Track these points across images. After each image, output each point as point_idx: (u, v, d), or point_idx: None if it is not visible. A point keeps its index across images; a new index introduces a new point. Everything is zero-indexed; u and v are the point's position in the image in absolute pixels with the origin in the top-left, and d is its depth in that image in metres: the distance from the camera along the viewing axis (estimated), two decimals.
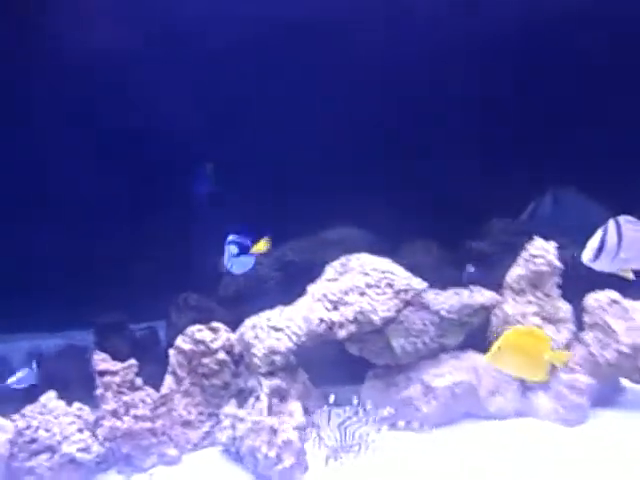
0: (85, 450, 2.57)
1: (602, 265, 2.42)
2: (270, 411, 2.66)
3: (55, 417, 2.64)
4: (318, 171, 3.35)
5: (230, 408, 2.75)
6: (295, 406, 2.70)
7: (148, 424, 2.67)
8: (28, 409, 2.69)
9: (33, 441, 2.58)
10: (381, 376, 2.97)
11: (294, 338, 2.72)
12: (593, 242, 2.42)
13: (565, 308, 3.03)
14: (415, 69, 3.41)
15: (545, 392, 2.99)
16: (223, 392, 2.86)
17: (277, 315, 2.78)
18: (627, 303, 2.97)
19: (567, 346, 2.99)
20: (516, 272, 3.01)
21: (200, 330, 2.83)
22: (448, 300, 2.94)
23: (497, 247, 3.40)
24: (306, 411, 2.86)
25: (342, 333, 2.78)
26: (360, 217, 3.39)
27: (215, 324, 2.89)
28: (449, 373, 2.91)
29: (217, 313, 3.15)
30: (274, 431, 2.58)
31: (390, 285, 2.83)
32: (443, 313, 2.90)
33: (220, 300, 3.28)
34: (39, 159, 3.06)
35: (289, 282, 3.02)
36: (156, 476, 2.66)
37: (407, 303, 2.85)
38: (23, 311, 3.05)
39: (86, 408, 2.74)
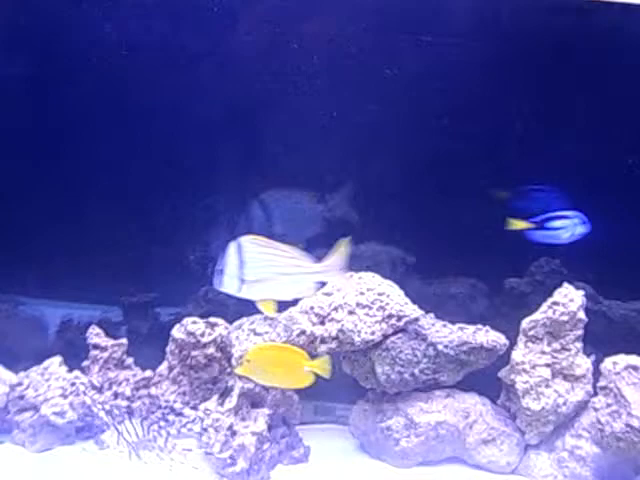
0: (59, 414, 2.73)
1: (231, 290, 2.35)
2: (237, 413, 2.66)
3: (46, 380, 2.82)
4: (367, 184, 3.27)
5: (209, 403, 2.78)
6: (263, 413, 2.68)
7: (125, 403, 2.78)
8: (32, 369, 2.91)
9: (21, 398, 2.79)
10: (373, 401, 2.86)
11: None
12: (217, 266, 2.34)
13: (584, 366, 2.73)
14: None
15: (548, 453, 2.73)
16: (211, 386, 2.90)
17: (261, 320, 2.77)
18: None
19: (579, 407, 2.71)
20: (533, 317, 2.76)
21: (195, 322, 2.89)
22: (450, 334, 2.76)
23: (535, 286, 3.14)
24: (284, 421, 2.85)
25: (322, 348, 2.71)
26: (399, 239, 3.27)
27: (214, 319, 2.93)
28: (437, 411, 2.74)
29: (230, 309, 3.18)
30: (233, 432, 2.60)
31: (382, 308, 2.71)
32: (440, 347, 2.73)
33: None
34: (90, 142, 3.26)
35: None
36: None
37: (398, 329, 2.72)
38: (63, 279, 3.29)
39: (83, 377, 2.90)
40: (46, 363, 2.91)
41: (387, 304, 2.72)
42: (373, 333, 2.68)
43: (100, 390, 2.80)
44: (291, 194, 3.12)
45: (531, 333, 2.75)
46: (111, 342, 2.85)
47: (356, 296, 2.74)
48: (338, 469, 2.74)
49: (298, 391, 2.88)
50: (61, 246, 3.30)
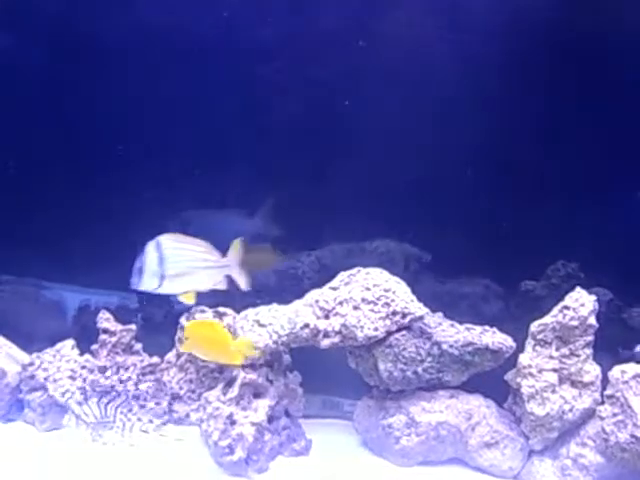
0: (65, 395, 2.78)
1: (150, 287, 2.48)
2: (238, 403, 2.67)
3: (58, 361, 2.88)
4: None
5: (214, 392, 2.80)
6: (264, 404, 2.69)
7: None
8: (45, 350, 2.97)
9: (32, 377, 2.85)
10: (377, 398, 2.84)
11: (274, 337, 2.69)
12: (135, 265, 2.47)
13: (593, 373, 2.66)
14: None
15: (552, 460, 2.67)
16: (217, 375, 2.92)
17: (266, 311, 2.78)
18: None
19: (586, 415, 2.64)
20: (542, 321, 2.70)
21: (202, 311, 2.92)
22: (456, 334, 2.73)
23: (551, 290, 3.07)
24: (287, 413, 2.85)
25: (325, 342, 2.70)
26: (415, 239, 3.25)
27: (223, 309, 2.96)
28: (439, 411, 2.71)
29: (243, 300, 3.18)
30: (232, 421, 2.61)
31: (387, 305, 2.69)
32: (444, 346, 2.69)
33: (257, 289, 3.30)
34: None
35: (322, 284, 2.95)
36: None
37: (403, 327, 2.69)
38: (84, 265, 3.36)
39: (94, 360, 2.95)
40: (58, 345, 2.98)
41: (392, 300, 2.69)
42: (376, 329, 2.66)
43: (105, 373, 2.84)
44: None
45: (540, 337, 2.70)
46: (120, 327, 2.89)
47: (362, 291, 2.73)
48: (337, 464, 2.72)
49: (305, 384, 2.90)
50: (83, 234, 3.36)
